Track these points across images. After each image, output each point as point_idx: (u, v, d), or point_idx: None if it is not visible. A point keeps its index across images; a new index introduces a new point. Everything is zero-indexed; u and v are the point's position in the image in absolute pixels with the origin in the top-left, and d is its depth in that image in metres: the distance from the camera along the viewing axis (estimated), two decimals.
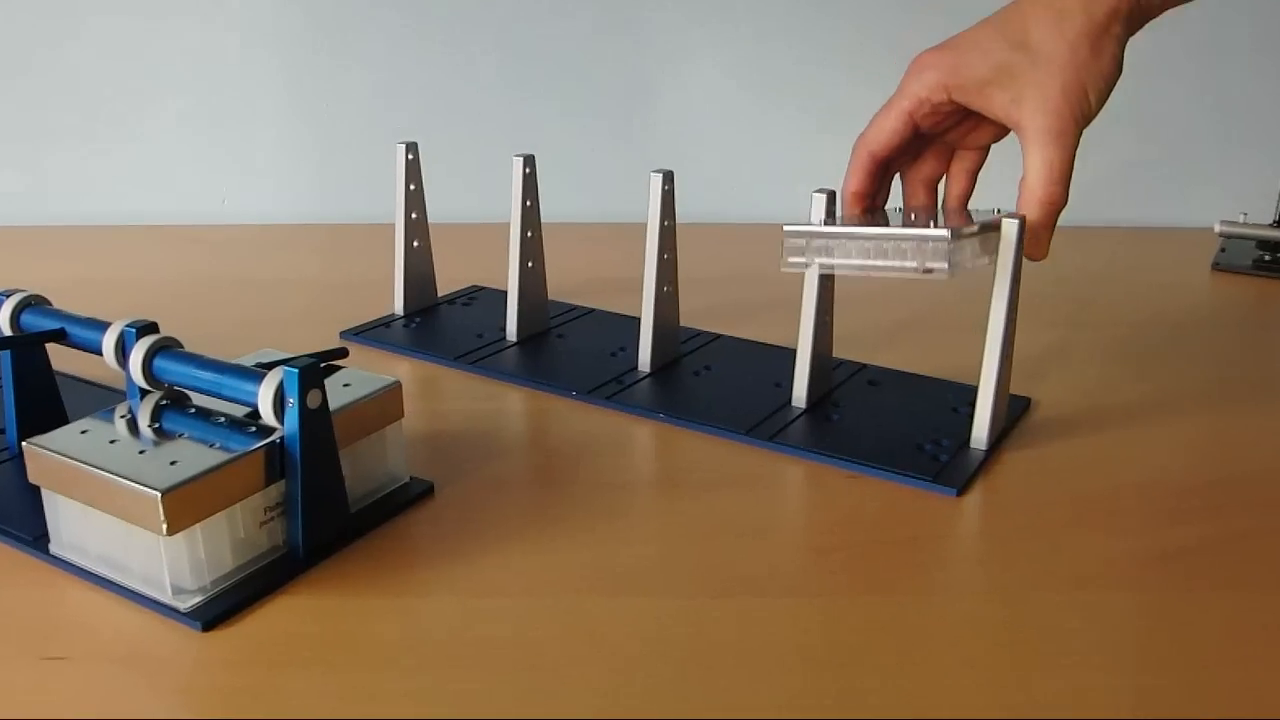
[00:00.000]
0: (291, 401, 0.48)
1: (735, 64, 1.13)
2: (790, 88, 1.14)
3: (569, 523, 0.55)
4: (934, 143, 0.66)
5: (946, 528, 0.55)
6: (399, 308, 0.83)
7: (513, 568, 0.51)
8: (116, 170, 1.16)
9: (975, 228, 0.59)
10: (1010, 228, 0.59)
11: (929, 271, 0.58)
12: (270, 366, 0.50)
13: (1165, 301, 0.90)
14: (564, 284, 0.87)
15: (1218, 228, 1.01)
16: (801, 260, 0.62)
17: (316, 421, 0.49)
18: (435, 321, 0.82)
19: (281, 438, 0.49)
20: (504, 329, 0.79)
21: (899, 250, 0.59)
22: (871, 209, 0.65)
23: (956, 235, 0.58)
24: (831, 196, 0.63)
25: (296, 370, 0.48)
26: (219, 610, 0.47)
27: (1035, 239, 0.61)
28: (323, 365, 0.55)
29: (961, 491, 0.58)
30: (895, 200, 0.67)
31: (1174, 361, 0.77)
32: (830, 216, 0.63)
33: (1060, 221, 0.60)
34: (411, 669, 0.44)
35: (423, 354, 0.76)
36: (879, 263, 0.59)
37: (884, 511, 0.56)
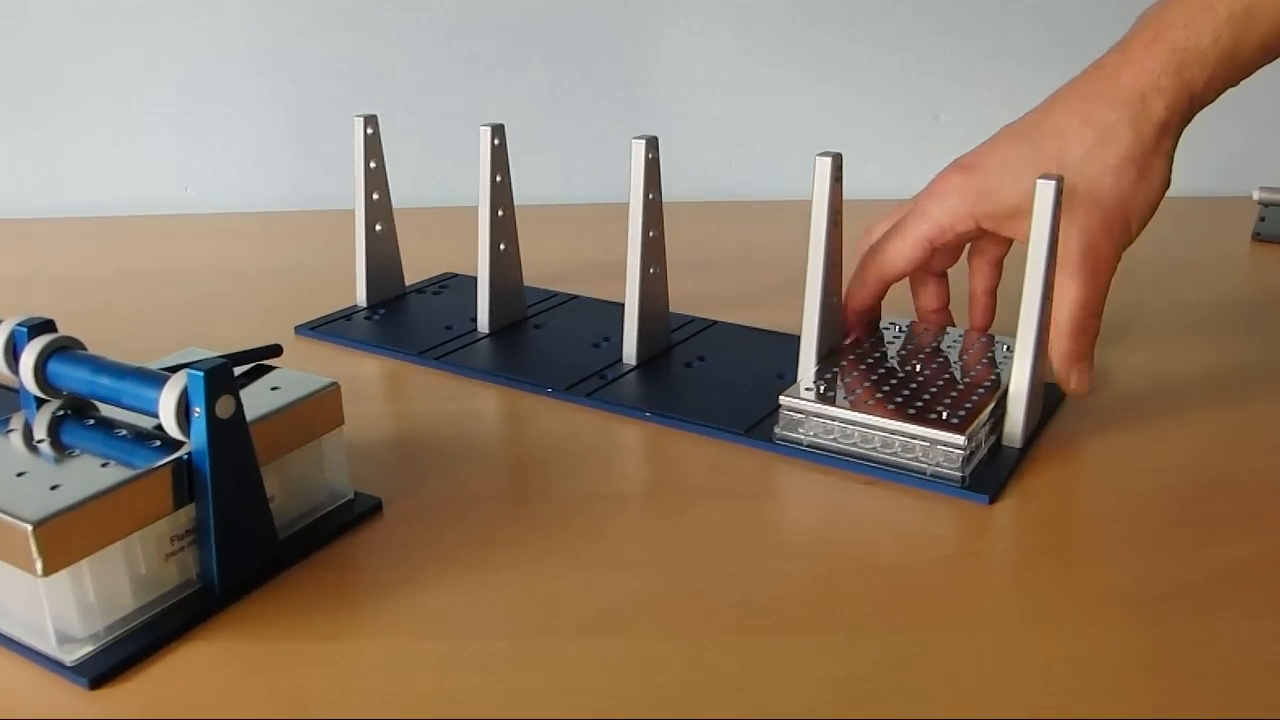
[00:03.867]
0: (198, 411, 0.41)
1: (735, 26, 1.05)
2: (798, 51, 1.05)
3: (540, 546, 0.47)
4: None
5: (980, 544, 0.47)
6: (361, 298, 0.75)
7: (471, 603, 0.43)
8: (73, 159, 1.08)
9: (989, 407, 0.53)
10: (1046, 189, 0.50)
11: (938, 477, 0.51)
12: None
13: (1204, 276, 0.82)
14: (543, 270, 0.79)
15: (1256, 195, 0.93)
16: (796, 436, 0.54)
17: (230, 433, 0.41)
18: (400, 313, 0.74)
19: (189, 453, 0.41)
20: (475, 320, 0.71)
21: (908, 448, 0.51)
22: (871, 323, 0.62)
23: (973, 439, 0.51)
24: (838, 161, 0.55)
25: (201, 374, 0.40)
26: (112, 662, 0.39)
27: (1077, 372, 0.56)
28: (250, 366, 0.48)
29: (995, 499, 0.50)
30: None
31: (1220, 342, 0.68)
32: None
33: None
34: None
35: (385, 349, 0.68)
36: (884, 456, 0.52)
37: (907, 524, 0.48)
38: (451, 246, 0.84)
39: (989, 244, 0.61)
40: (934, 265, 0.61)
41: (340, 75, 1.06)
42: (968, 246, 0.62)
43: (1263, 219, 0.93)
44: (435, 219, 0.90)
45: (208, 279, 0.85)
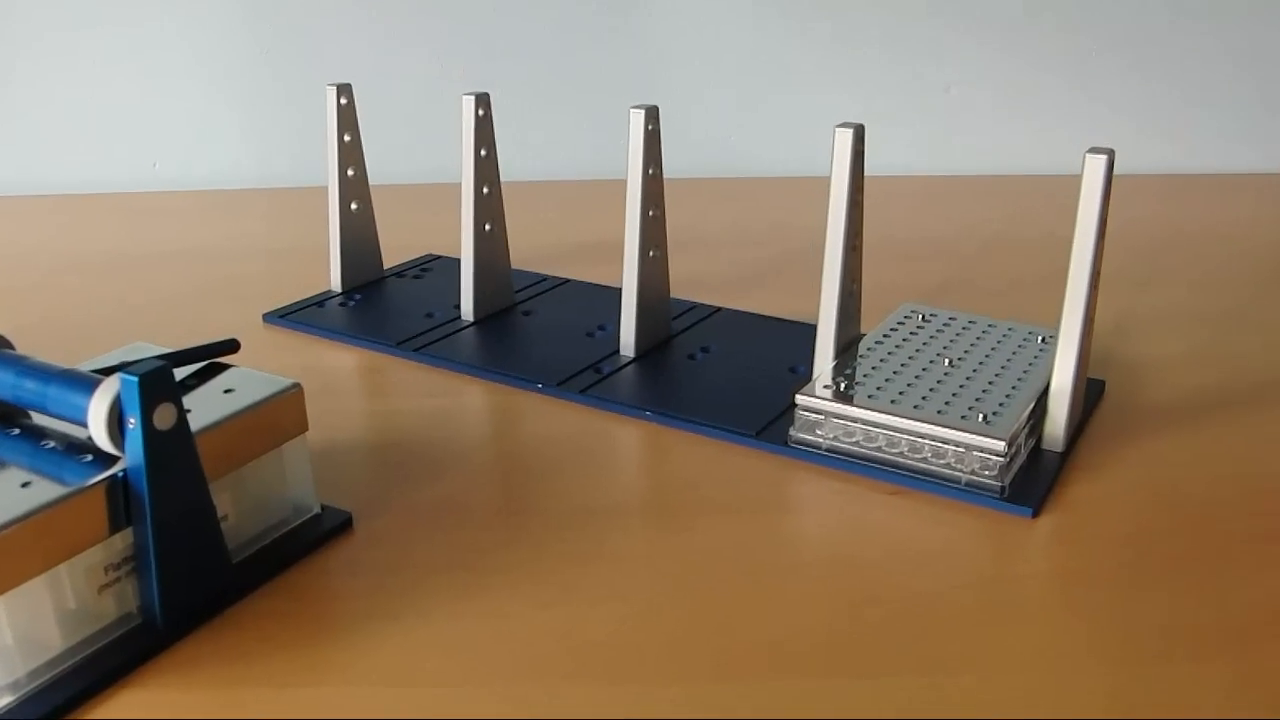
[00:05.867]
0: (133, 421, 0.35)
1: None
2: (805, 19, 0.99)
3: (528, 570, 0.41)
4: None
5: (1022, 565, 0.42)
6: (335, 283, 0.70)
7: (448, 639, 0.38)
8: (33, 133, 1.02)
9: (1029, 407, 0.48)
10: (1096, 164, 0.45)
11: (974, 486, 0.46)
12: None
13: (1243, 257, 0.77)
14: (533, 252, 0.74)
15: None
16: (813, 439, 0.49)
17: (171, 446, 0.36)
18: (378, 299, 0.69)
19: (125, 470, 0.36)
20: (459, 307, 0.65)
21: (939, 453, 0.46)
22: None
23: (1013, 443, 0.45)
24: (859, 133, 0.49)
25: (135, 379, 0.35)
26: (35, 714, 0.34)
27: None
28: (201, 365, 0.42)
29: (1038, 511, 0.44)
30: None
31: (1263, 327, 0.63)
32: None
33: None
34: None
35: (360, 339, 0.63)
36: (913, 462, 0.47)
37: (942, 542, 0.43)
38: (434, 226, 0.79)
39: None
40: None
41: (316, 44, 1.00)
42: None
43: None
44: (416, 196, 0.84)
45: (173, 261, 0.79)
